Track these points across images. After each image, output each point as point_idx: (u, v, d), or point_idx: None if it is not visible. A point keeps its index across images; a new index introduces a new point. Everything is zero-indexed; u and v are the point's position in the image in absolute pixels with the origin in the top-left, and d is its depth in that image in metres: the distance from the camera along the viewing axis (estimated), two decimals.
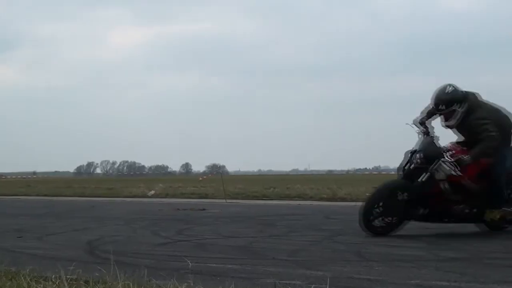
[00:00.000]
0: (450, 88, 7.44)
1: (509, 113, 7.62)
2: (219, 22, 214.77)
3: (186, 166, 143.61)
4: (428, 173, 7.28)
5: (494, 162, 7.33)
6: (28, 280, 4.31)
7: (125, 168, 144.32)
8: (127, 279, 4.17)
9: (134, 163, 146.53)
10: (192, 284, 4.26)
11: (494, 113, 7.46)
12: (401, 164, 7.68)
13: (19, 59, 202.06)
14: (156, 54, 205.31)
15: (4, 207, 16.16)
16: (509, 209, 7.58)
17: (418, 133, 7.67)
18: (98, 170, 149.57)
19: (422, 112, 7.78)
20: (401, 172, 7.64)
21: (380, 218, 7.33)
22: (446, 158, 7.27)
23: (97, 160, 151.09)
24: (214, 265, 5.47)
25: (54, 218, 11.62)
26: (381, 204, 7.33)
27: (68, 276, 4.38)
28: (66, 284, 4.17)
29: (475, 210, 7.50)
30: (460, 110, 7.38)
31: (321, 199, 16.89)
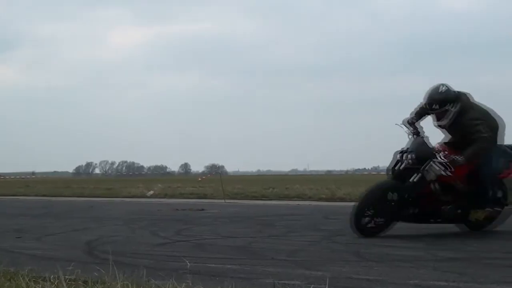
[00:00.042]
0: (444, 88, 7.45)
1: (497, 115, 7.67)
2: (219, 22, 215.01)
3: (185, 166, 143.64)
4: (420, 174, 7.27)
5: (481, 163, 7.38)
6: (27, 280, 4.31)
7: (124, 168, 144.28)
8: (126, 279, 4.17)
9: (133, 163, 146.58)
10: (191, 284, 4.26)
11: (485, 115, 7.51)
12: (390, 164, 7.66)
13: (19, 59, 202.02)
14: (156, 54, 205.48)
15: (3, 207, 16.15)
16: (493, 210, 7.65)
17: (408, 134, 7.66)
18: (97, 170, 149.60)
19: (411, 113, 7.80)
20: (390, 173, 7.61)
21: (371, 219, 7.31)
22: (439, 158, 7.27)
23: (96, 160, 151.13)
24: (213, 265, 5.47)
25: (53, 218, 11.62)
26: (373, 205, 7.31)
27: (66, 277, 4.38)
28: (64, 285, 4.17)
29: (460, 210, 7.53)
30: (453, 110, 7.39)
31: (320, 199, 16.88)
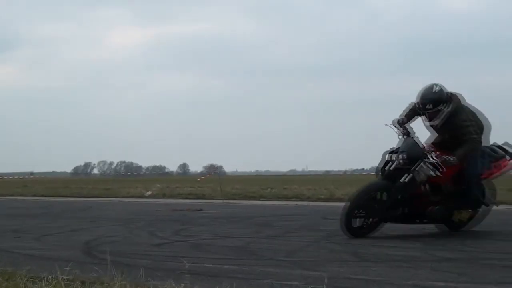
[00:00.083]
0: (437, 88, 7.46)
1: (484, 117, 7.70)
2: (219, 22, 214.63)
3: (184, 166, 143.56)
4: (411, 174, 7.25)
5: (467, 163, 7.40)
6: (25, 280, 4.31)
7: (122, 168, 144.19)
8: (124, 280, 4.17)
9: (131, 163, 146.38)
10: (189, 284, 4.26)
11: (474, 116, 7.56)
12: (379, 165, 7.63)
13: (19, 59, 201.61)
14: (156, 54, 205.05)
15: (1, 207, 16.13)
16: (476, 210, 7.71)
17: (398, 134, 7.64)
18: (95, 171, 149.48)
19: (401, 113, 7.78)
20: (380, 173, 7.58)
21: (362, 220, 7.29)
22: (430, 159, 7.26)
23: (94, 160, 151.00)
24: (211, 265, 5.47)
25: (51, 218, 11.61)
26: (364, 205, 7.28)
27: (64, 277, 4.38)
28: (62, 285, 4.17)
29: (447, 211, 7.54)
30: (446, 110, 7.40)
31: (318, 199, 16.88)
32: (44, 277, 4.37)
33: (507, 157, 7.81)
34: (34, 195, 23.69)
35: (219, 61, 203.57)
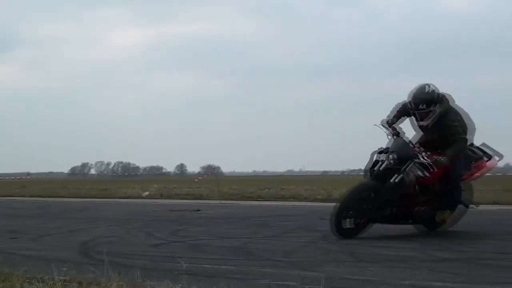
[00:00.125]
0: (430, 88, 7.48)
1: (469, 118, 7.73)
2: (219, 22, 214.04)
3: (181, 167, 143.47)
4: (401, 175, 7.22)
5: (453, 164, 7.41)
6: (21, 281, 4.31)
7: (119, 169, 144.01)
8: (121, 280, 4.17)
9: (129, 163, 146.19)
10: (186, 285, 4.26)
11: (461, 117, 7.61)
12: (367, 165, 7.59)
13: (19, 59, 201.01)
14: (156, 54, 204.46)
15: (0, 208, 16.11)
16: (458, 210, 7.72)
17: (388, 135, 7.63)
18: (93, 171, 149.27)
19: (388, 115, 7.77)
20: (368, 174, 7.53)
21: (352, 220, 7.24)
22: (421, 159, 7.25)
23: (91, 161, 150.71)
24: (209, 266, 5.47)
25: (49, 219, 11.60)
26: (354, 206, 7.24)
27: (61, 278, 4.37)
28: (59, 286, 4.17)
29: (433, 211, 7.55)
30: (437, 111, 7.42)
31: (315, 200, 16.89)
32: (41, 278, 4.37)
33: (485, 158, 7.83)
34: (32, 196, 23.67)
35: (219, 61, 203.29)
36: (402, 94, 7.95)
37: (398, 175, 7.23)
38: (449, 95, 7.65)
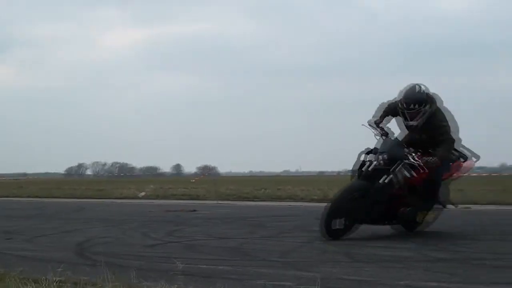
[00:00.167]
0: (422, 88, 7.51)
1: (454, 119, 7.76)
2: (219, 22, 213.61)
3: (177, 167, 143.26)
4: (391, 175, 7.19)
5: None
6: (18, 282, 4.30)
7: (116, 169, 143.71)
8: (117, 281, 4.16)
9: (126, 164, 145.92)
10: (182, 285, 4.26)
11: (448, 117, 7.64)
12: (354, 165, 7.57)
13: (17, 59, 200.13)
14: (156, 54, 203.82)
15: None
16: (437, 210, 7.76)
17: (376, 135, 7.61)
18: (89, 172, 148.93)
19: (374, 115, 7.77)
20: (356, 174, 7.49)
21: (342, 221, 7.20)
22: (411, 159, 7.21)
23: (87, 161, 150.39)
24: (205, 266, 5.47)
25: (45, 219, 11.58)
26: (345, 207, 7.19)
27: (58, 278, 4.36)
28: (54, 286, 4.16)
29: (417, 211, 7.55)
30: (428, 111, 7.44)
31: (311, 200, 16.89)
32: (36, 279, 4.36)
33: (461, 160, 7.84)
34: (29, 196, 23.63)
35: (219, 61, 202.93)
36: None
37: (388, 175, 7.19)
38: (438, 95, 7.67)
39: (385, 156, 7.24)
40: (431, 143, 7.43)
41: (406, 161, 7.20)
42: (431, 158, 7.23)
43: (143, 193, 22.45)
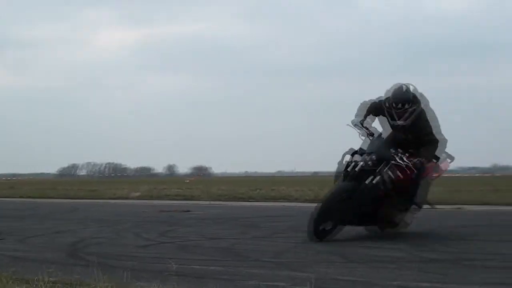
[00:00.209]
0: (410, 88, 7.52)
1: (436, 120, 7.77)
2: (219, 22, 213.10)
3: (171, 167, 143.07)
4: (379, 176, 7.14)
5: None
6: (10, 282, 4.28)
7: (110, 169, 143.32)
8: (110, 281, 4.16)
9: (120, 164, 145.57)
10: (175, 286, 4.26)
11: (431, 118, 7.68)
12: (340, 166, 7.50)
13: (15, 59, 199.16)
14: (156, 54, 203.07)
15: None
16: (415, 211, 7.73)
17: (361, 135, 7.58)
18: (82, 172, 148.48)
19: (356, 114, 7.73)
20: (342, 175, 7.42)
21: (330, 223, 7.17)
22: (399, 160, 7.16)
23: (80, 161, 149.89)
24: (198, 267, 5.46)
25: (38, 220, 11.54)
26: (334, 208, 7.16)
27: (50, 279, 4.35)
28: (46, 287, 4.15)
29: (399, 212, 7.55)
30: (417, 110, 7.46)
31: (305, 200, 16.90)
32: (28, 279, 4.35)
33: (434, 160, 7.84)
34: (21, 197, 23.54)
35: (219, 61, 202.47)
36: None
37: (375, 176, 7.15)
38: (424, 96, 7.69)
39: (373, 156, 7.19)
40: (416, 143, 7.42)
41: (393, 162, 7.16)
42: (417, 159, 7.22)
43: (136, 194, 22.41)
